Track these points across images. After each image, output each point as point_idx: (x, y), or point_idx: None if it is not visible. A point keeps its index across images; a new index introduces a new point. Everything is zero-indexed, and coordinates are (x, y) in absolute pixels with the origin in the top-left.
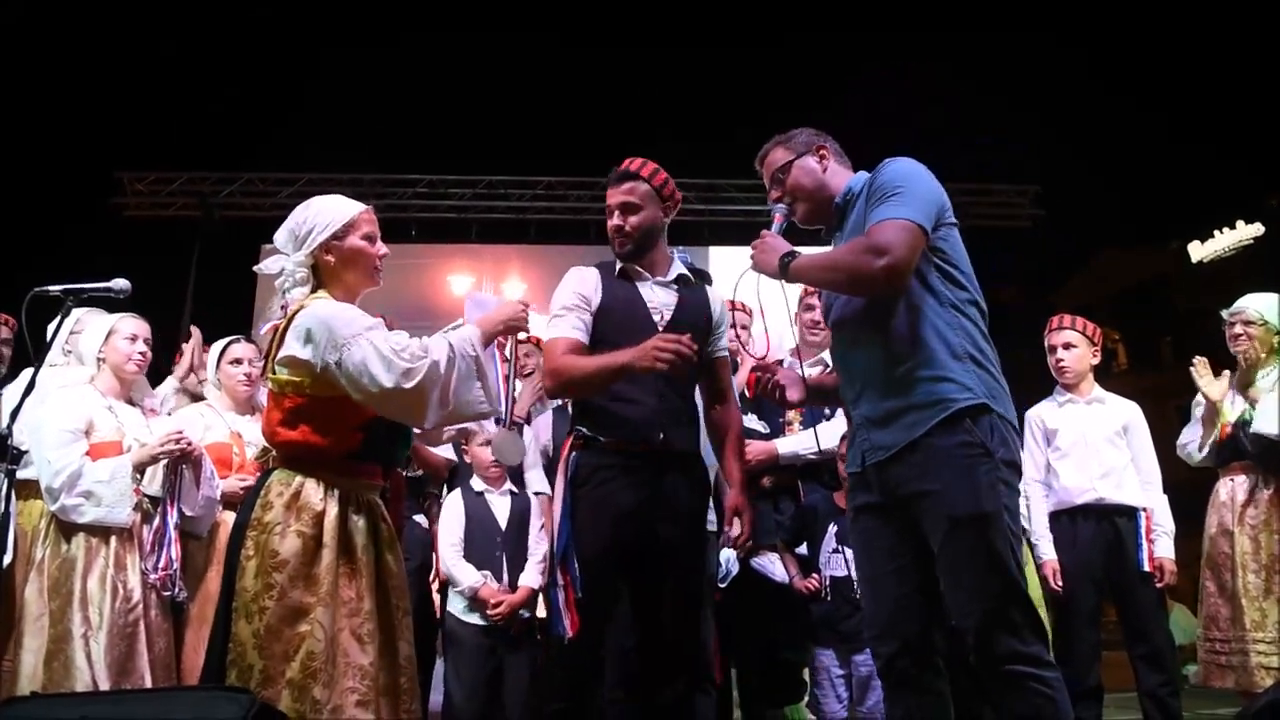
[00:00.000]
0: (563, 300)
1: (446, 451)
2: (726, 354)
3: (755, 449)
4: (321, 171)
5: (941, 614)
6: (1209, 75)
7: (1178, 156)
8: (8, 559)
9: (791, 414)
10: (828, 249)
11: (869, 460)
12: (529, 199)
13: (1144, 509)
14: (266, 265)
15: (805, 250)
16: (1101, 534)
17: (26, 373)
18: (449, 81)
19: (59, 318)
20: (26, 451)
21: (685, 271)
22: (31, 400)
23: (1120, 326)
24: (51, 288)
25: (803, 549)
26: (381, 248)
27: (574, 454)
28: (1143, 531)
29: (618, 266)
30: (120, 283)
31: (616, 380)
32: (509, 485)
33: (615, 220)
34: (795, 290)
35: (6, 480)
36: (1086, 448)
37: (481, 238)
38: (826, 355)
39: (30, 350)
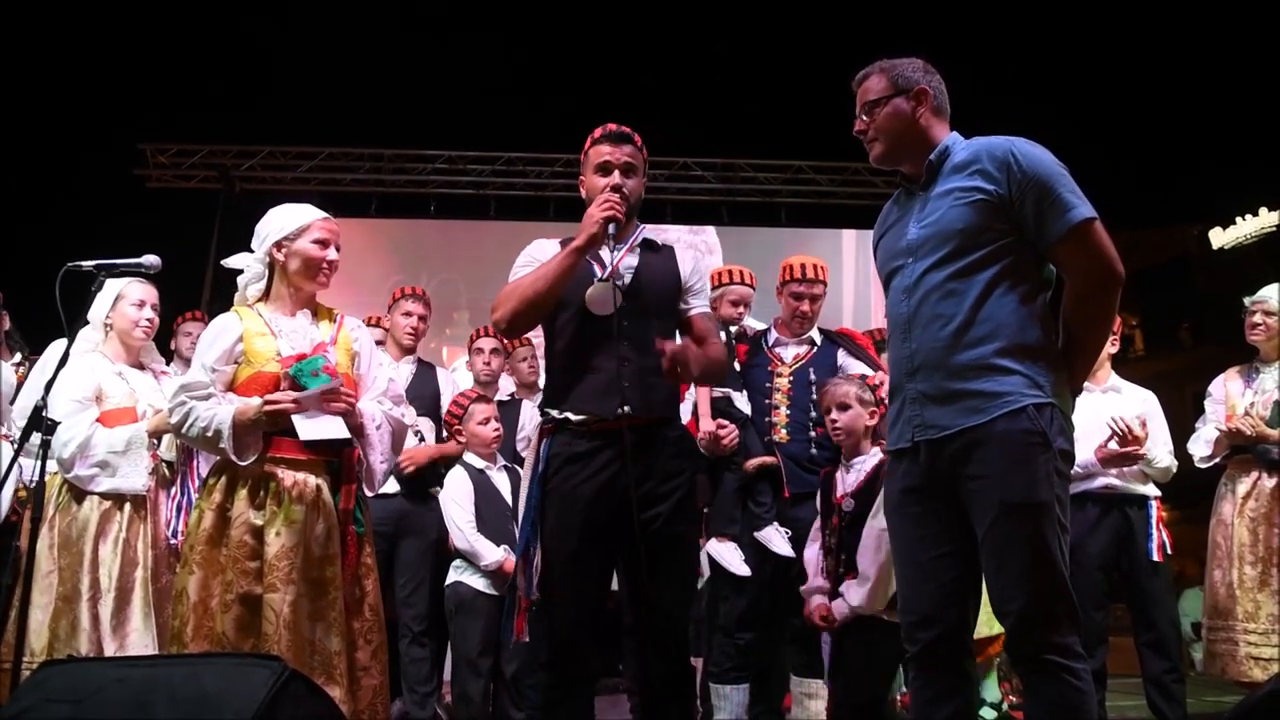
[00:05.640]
0: (518, 263)
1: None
2: (706, 310)
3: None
4: (341, 145)
5: (977, 595)
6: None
7: (1198, 139)
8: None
9: (779, 395)
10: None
11: (919, 437)
12: (548, 175)
13: (1155, 498)
14: (233, 260)
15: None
16: (1112, 522)
17: (58, 344)
18: (467, 57)
19: (92, 291)
20: (60, 422)
21: (649, 237)
22: (63, 373)
23: (1139, 309)
24: (84, 263)
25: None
26: (332, 254)
27: (545, 443)
28: (1153, 521)
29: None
30: (151, 259)
31: (569, 273)
32: (503, 461)
33: (615, 179)
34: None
35: (41, 450)
36: (1101, 436)
37: (500, 214)
38: (816, 334)
39: (64, 323)
